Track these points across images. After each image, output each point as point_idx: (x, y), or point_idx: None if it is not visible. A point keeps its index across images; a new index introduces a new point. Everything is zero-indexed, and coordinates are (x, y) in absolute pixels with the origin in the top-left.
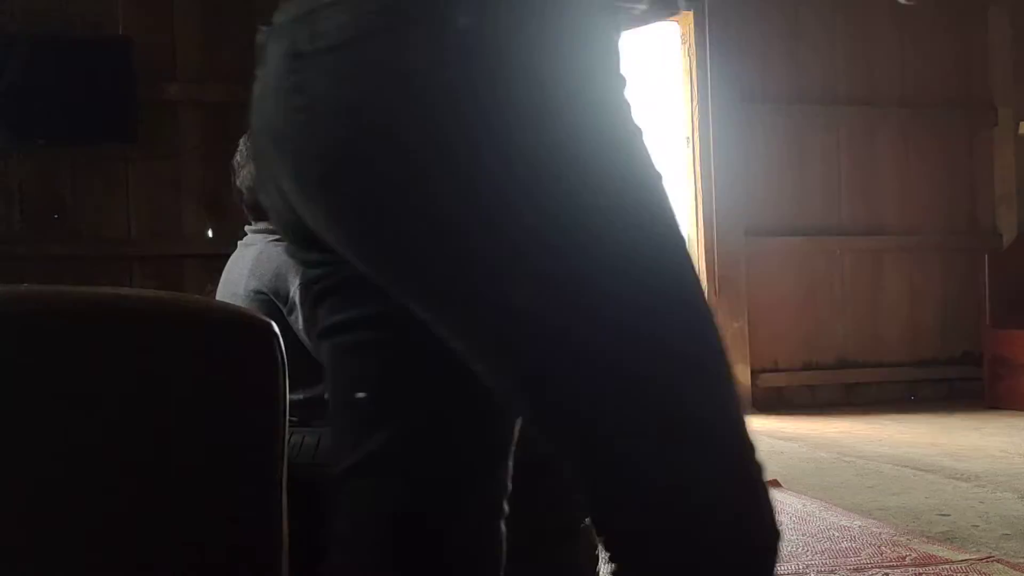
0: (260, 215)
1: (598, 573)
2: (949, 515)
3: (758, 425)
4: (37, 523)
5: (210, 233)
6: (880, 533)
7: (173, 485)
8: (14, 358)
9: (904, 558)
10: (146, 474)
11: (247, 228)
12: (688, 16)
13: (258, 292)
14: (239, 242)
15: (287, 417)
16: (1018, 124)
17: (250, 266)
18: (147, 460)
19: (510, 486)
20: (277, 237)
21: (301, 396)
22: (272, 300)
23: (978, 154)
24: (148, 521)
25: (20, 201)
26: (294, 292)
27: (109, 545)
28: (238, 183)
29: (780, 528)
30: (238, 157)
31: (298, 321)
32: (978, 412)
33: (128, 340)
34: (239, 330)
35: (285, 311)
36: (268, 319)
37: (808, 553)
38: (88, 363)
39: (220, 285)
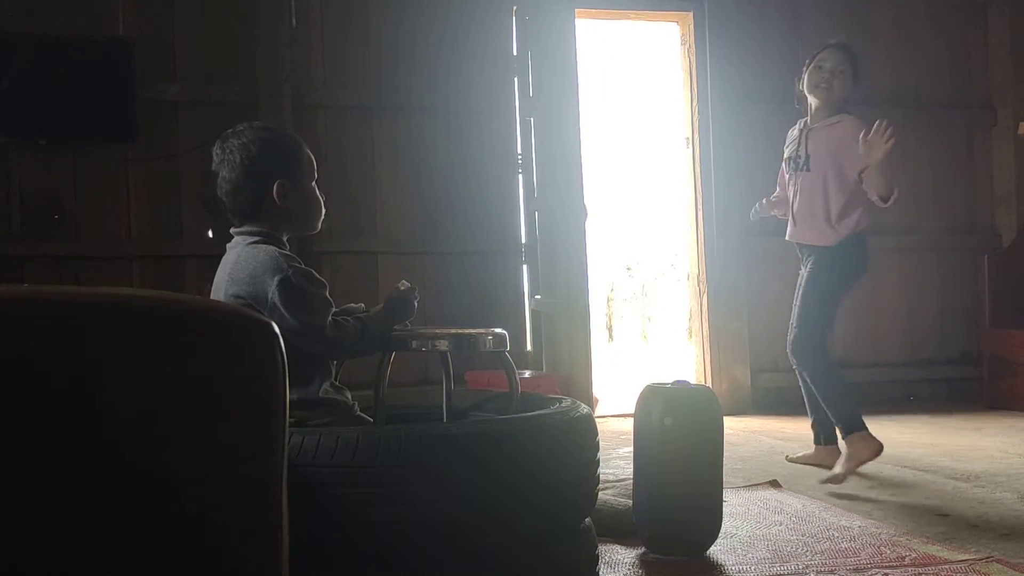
0: (242, 218)
1: (598, 573)
2: (948, 515)
3: (758, 425)
4: (36, 523)
5: (210, 233)
6: (880, 533)
7: (173, 485)
8: (14, 358)
9: (904, 558)
10: (146, 474)
11: (232, 231)
12: (688, 16)
13: (238, 297)
14: (227, 245)
15: (287, 417)
16: (1018, 124)
17: (229, 270)
18: (147, 460)
19: None
20: (256, 239)
21: (295, 397)
22: (252, 304)
23: (978, 154)
24: (148, 521)
25: (20, 201)
26: (272, 293)
27: (109, 545)
28: (219, 191)
29: None
30: (215, 165)
31: (282, 321)
32: (977, 412)
33: (129, 340)
34: (239, 330)
35: (266, 313)
36: (268, 319)
37: (808, 553)
38: (88, 363)
39: (212, 289)
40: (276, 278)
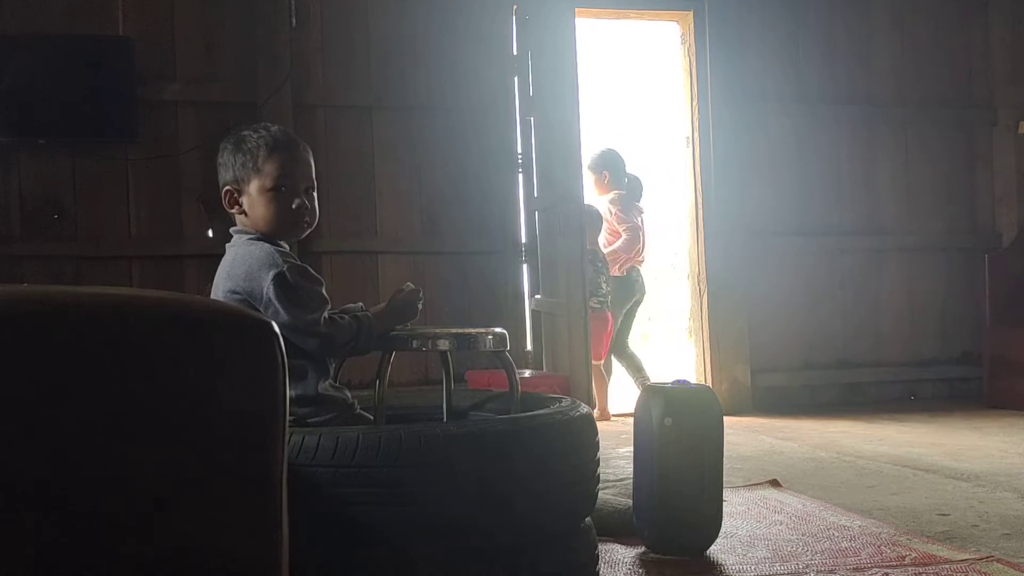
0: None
1: (598, 573)
2: (949, 515)
3: (758, 425)
4: (34, 523)
5: (210, 233)
6: (880, 533)
7: (173, 484)
8: (14, 358)
9: (904, 558)
10: (146, 474)
11: (231, 229)
12: (688, 15)
13: (233, 292)
14: (227, 245)
15: (287, 417)
16: (1018, 124)
17: (227, 267)
18: (147, 460)
19: None
20: (254, 236)
21: (293, 393)
22: (248, 300)
23: (978, 154)
24: (148, 521)
25: (20, 201)
26: (268, 288)
27: (109, 545)
28: (221, 184)
29: None
30: (220, 158)
31: (276, 316)
32: (978, 412)
33: (128, 340)
34: (239, 330)
35: (261, 308)
36: (268, 319)
37: (808, 553)
38: (88, 363)
39: (211, 289)
40: (271, 273)
